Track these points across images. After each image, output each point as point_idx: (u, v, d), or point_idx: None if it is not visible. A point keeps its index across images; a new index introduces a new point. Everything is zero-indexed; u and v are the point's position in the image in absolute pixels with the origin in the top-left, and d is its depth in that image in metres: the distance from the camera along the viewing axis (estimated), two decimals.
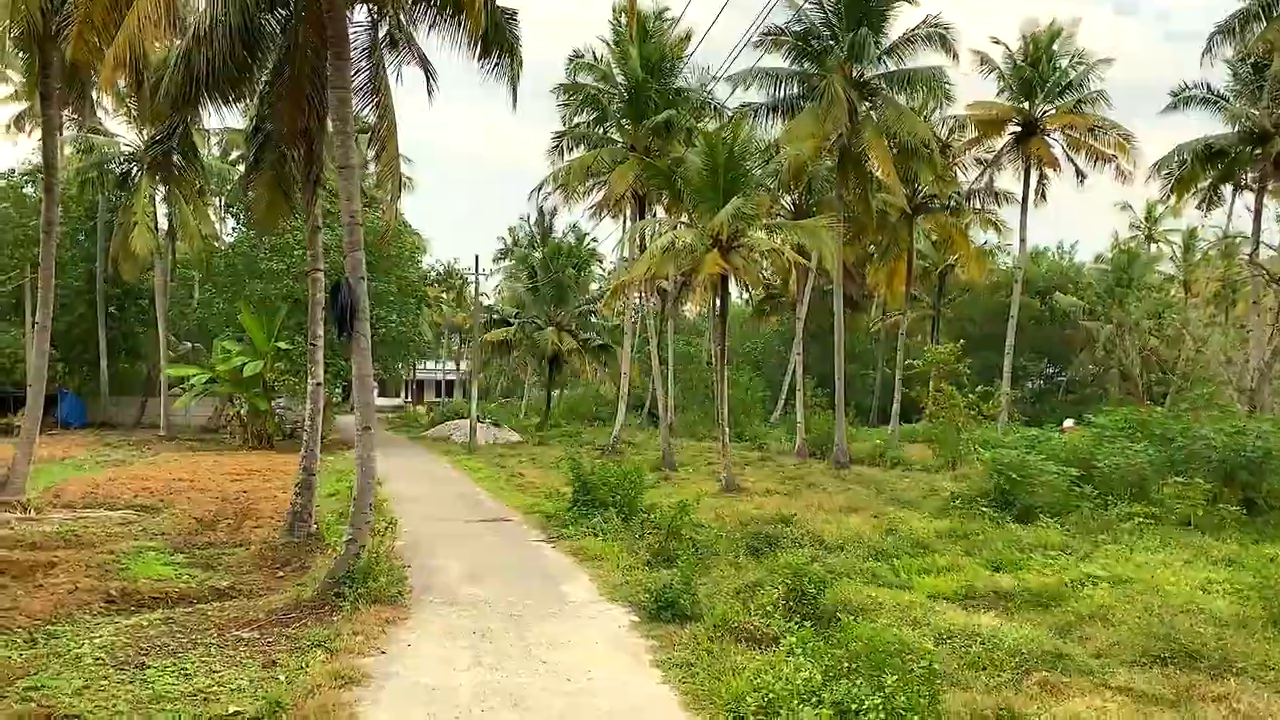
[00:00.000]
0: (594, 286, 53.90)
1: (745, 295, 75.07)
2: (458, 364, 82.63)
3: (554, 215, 56.46)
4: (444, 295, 76.79)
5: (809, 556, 13.10)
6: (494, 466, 30.75)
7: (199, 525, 19.10)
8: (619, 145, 31.10)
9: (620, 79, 30.71)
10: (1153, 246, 64.70)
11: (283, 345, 35.09)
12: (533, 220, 57.78)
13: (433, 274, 72.83)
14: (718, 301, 24.80)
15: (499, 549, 16.00)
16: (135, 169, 38.36)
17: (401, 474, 28.69)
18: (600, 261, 52.65)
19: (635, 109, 29.76)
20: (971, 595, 12.21)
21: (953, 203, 38.34)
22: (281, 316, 35.83)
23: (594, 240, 52.05)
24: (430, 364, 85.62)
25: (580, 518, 17.51)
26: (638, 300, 36.00)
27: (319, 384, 16.51)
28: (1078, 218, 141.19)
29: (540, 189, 32.44)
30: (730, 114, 29.61)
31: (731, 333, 72.13)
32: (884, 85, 30.39)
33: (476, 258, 36.82)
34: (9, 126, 42.03)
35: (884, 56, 29.78)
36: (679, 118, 28.50)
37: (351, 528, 12.12)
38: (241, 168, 43.76)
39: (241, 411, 36.21)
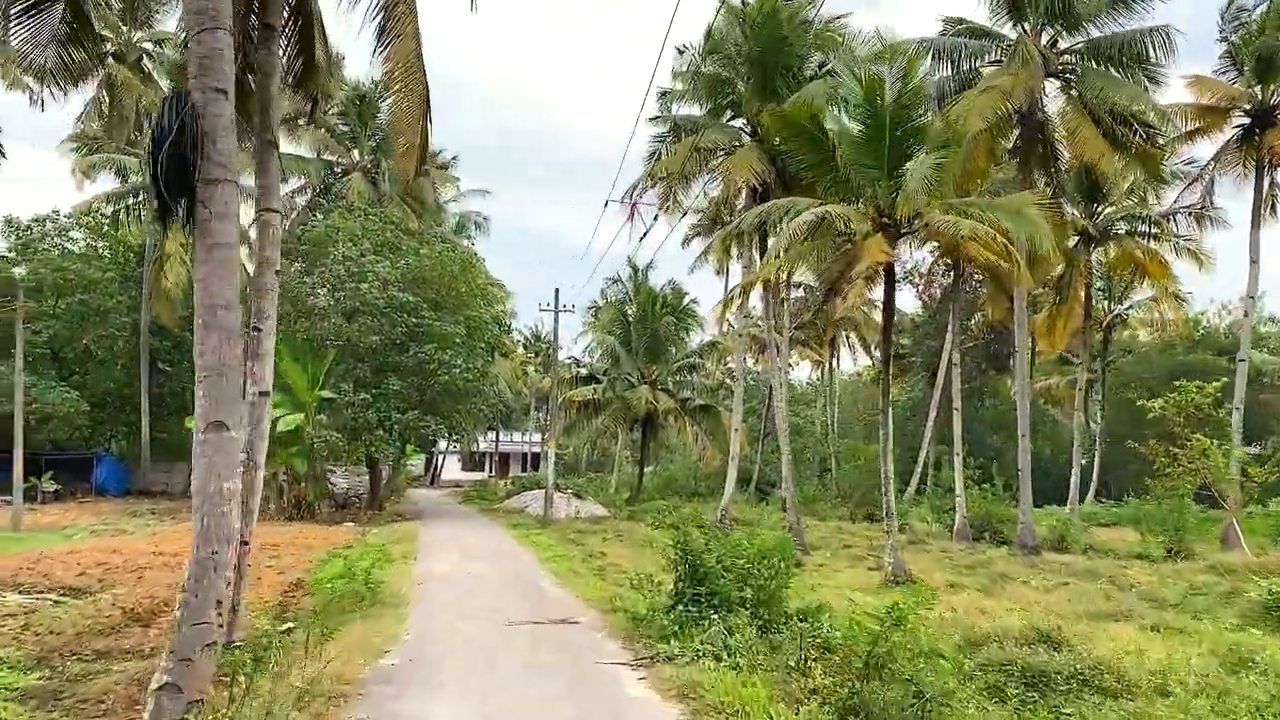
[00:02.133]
0: (693, 342, 47.34)
1: (857, 357, 67.53)
2: (543, 435, 76.47)
3: (645, 235, 50.55)
4: (532, 359, 71.26)
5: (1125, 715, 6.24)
6: (568, 543, 24.01)
7: (123, 620, 12.97)
8: (735, 128, 24.71)
9: (741, 52, 24.28)
10: None
11: (328, 395, 29.31)
12: (630, 227, 51.83)
13: (516, 333, 67.48)
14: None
15: (549, 681, 9.12)
16: None
17: (450, 547, 22.18)
18: (699, 322, 46.02)
19: (760, 84, 23.21)
20: None
21: (1147, 225, 30.66)
22: (329, 361, 30.19)
23: (694, 300, 45.21)
24: (516, 435, 79.68)
25: (689, 623, 10.58)
26: (747, 330, 29.13)
27: (264, 393, 10.07)
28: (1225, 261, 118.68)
29: (635, 189, 26.16)
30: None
31: (843, 403, 64.56)
32: (1084, 57, 23.48)
33: (556, 291, 30.93)
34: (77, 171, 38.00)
35: (1085, 22, 22.88)
36: (819, 91, 21.79)
37: (171, 659, 5.58)
38: (287, 189, 39.27)
39: (279, 475, 30.46)
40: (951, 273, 49.16)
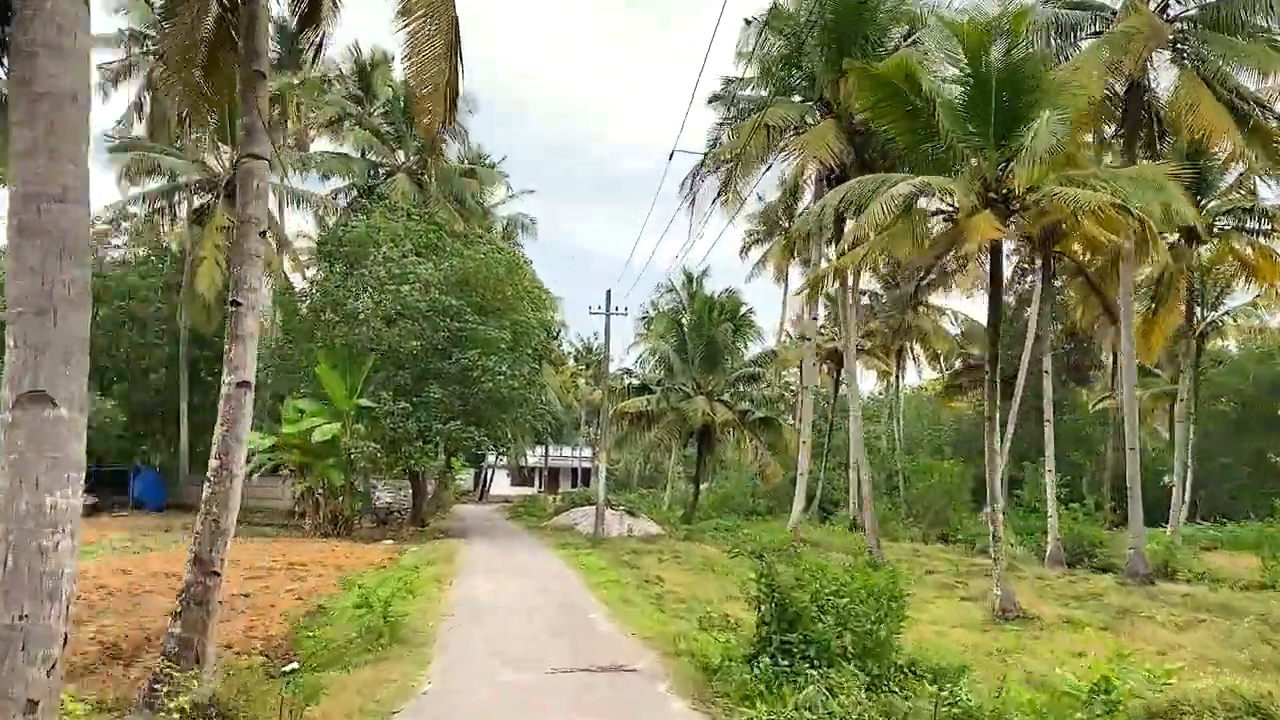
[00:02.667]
0: (751, 351, 44.87)
1: (921, 370, 64.46)
2: (595, 450, 74.43)
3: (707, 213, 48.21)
4: (582, 372, 69.38)
5: None
6: (621, 566, 21.81)
7: (100, 657, 11.17)
8: (806, 104, 22.38)
9: (814, 21, 21.83)
10: None
11: (364, 404, 27.51)
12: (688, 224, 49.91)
13: (567, 344, 65.74)
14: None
15: None
16: (212, 196, 32.44)
17: (491, 569, 20.09)
18: (756, 332, 43.49)
19: (835, 58, 20.72)
20: None
21: (1259, 219, 27.73)
22: (368, 368, 28.44)
23: (750, 310, 42.86)
24: (566, 450, 77.69)
25: (778, 679, 8.29)
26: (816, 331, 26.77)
27: (244, 384, 8.02)
28: None
29: (693, 175, 23.89)
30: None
31: (908, 418, 61.52)
32: (1199, 25, 20.87)
33: (608, 293, 28.81)
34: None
35: None
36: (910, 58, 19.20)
37: None
38: (329, 188, 37.64)
39: (316, 489, 28.72)
40: (1028, 274, 46.44)
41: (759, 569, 9.32)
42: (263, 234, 8.15)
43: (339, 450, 27.23)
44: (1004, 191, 14.09)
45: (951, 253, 14.14)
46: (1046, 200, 13.39)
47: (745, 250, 55.37)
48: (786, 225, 55.19)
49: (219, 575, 7.83)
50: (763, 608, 9.07)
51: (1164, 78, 22.04)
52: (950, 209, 14.46)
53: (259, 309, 8.25)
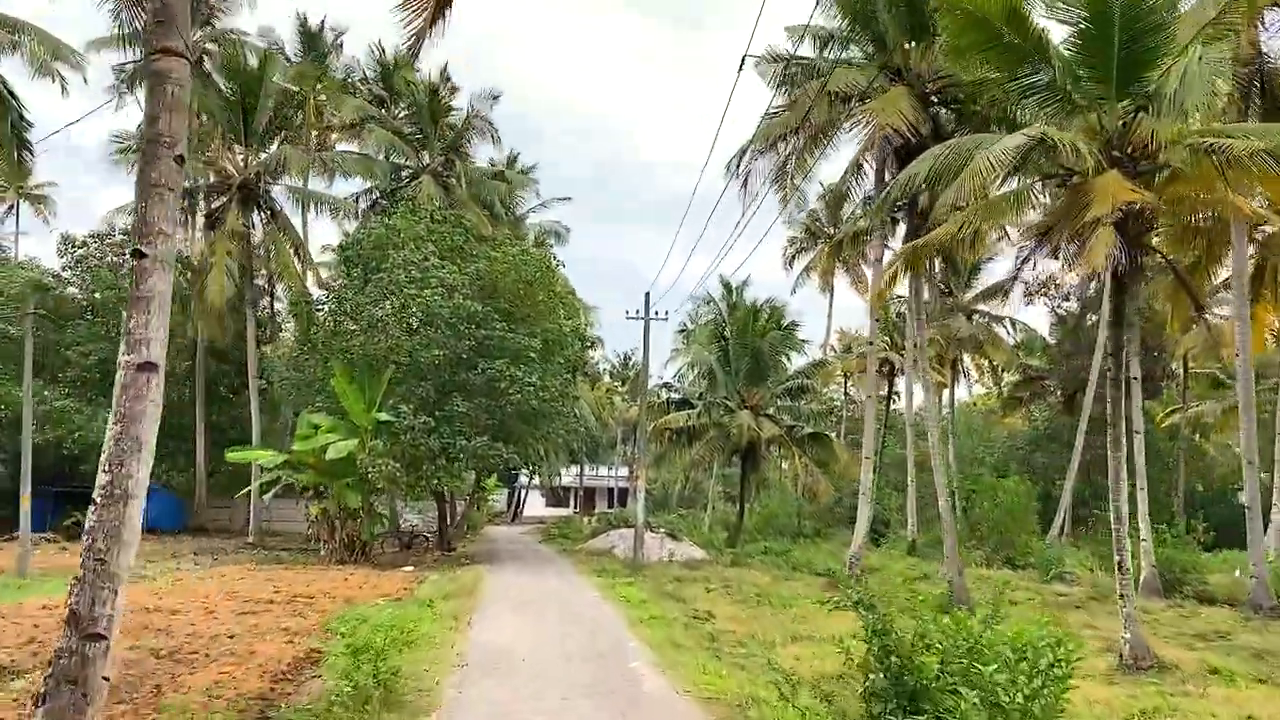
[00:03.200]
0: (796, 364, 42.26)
1: (971, 383, 61.36)
2: (631, 469, 71.93)
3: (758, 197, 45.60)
4: (618, 388, 67.08)
5: None
6: (664, 597, 19.38)
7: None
8: (874, 68, 19.74)
9: None
10: None
11: (384, 418, 25.36)
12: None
13: (603, 360, 63.61)
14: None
15: None
16: (226, 199, 30.65)
17: (517, 603, 17.73)
18: (798, 345, 40.81)
19: (908, 17, 18.12)
20: None
21: None
22: (387, 380, 26.33)
23: (795, 323, 40.32)
24: (602, 469, 75.29)
25: None
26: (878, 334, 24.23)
27: (146, 365, 5.73)
28: None
29: (743, 153, 21.29)
30: None
31: (956, 431, 58.53)
32: None
33: (646, 295, 26.46)
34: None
35: None
36: None
37: None
38: (350, 192, 35.64)
39: (332, 511, 26.59)
40: (1093, 275, 43.41)
41: (868, 622, 6.86)
42: (180, 160, 5.93)
43: (356, 469, 25.08)
44: (1128, 149, 11.60)
45: (1058, 228, 11.57)
46: (1187, 155, 10.85)
47: (789, 261, 52.98)
48: (831, 232, 52.79)
49: (105, 640, 5.51)
50: (873, 677, 6.62)
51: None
52: (1063, 173, 11.98)
53: (170, 263, 5.99)
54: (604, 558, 29.76)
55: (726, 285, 53.10)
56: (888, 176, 20.62)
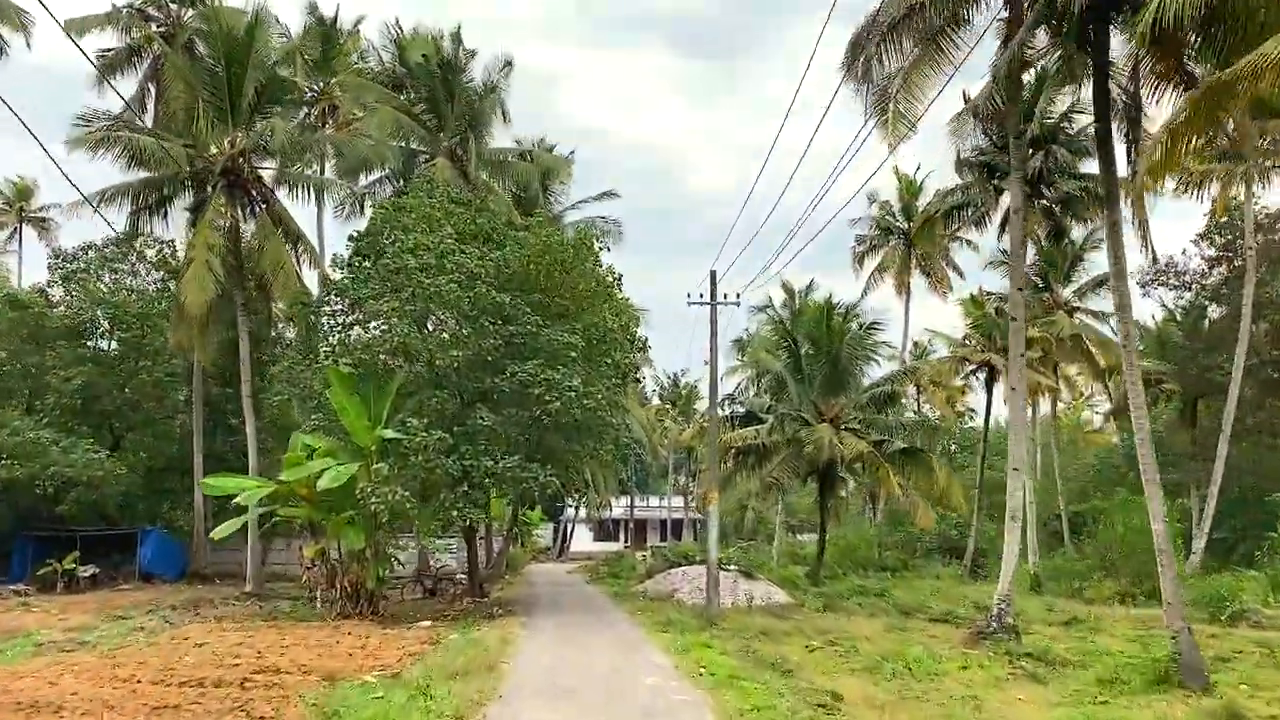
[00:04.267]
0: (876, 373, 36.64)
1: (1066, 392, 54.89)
2: (686, 499, 66.39)
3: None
4: (668, 410, 61.79)
5: None
6: (758, 664, 14.07)
7: None
8: None
9: None
10: None
11: (391, 435, 20.41)
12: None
13: (650, 381, 58.48)
14: None
15: None
16: (209, 189, 26.19)
17: (556, 681, 12.50)
18: (873, 347, 35.02)
19: None
20: None
21: None
22: (395, 390, 21.48)
23: (878, 324, 34.97)
24: (654, 500, 69.78)
25: None
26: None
27: None
28: None
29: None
30: None
31: (1059, 445, 52.26)
32: None
33: (712, 274, 21.14)
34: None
35: None
36: None
37: None
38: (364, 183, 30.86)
39: (330, 552, 21.59)
40: (1220, 262, 37.39)
41: None
42: None
43: (357, 500, 20.07)
44: None
45: None
46: None
47: (858, 260, 47.50)
48: (905, 227, 47.35)
49: None
50: None
51: None
52: None
53: None
54: (666, 604, 24.40)
55: (788, 290, 47.93)
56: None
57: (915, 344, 47.47)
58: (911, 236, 44.02)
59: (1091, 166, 29.20)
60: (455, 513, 20.22)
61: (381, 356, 21.46)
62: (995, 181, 29.51)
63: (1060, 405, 51.23)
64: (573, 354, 21.50)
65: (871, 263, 46.70)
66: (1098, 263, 38.30)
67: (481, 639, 17.19)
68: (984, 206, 30.56)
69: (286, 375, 23.27)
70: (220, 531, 21.89)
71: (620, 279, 23.98)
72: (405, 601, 26.35)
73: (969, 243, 46.00)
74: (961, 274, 46.66)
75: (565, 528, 65.08)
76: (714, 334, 20.82)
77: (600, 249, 25.03)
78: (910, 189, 45.82)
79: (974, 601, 23.61)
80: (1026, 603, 24.08)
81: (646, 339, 24.46)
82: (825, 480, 33.15)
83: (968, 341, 36.60)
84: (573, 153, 35.62)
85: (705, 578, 27.66)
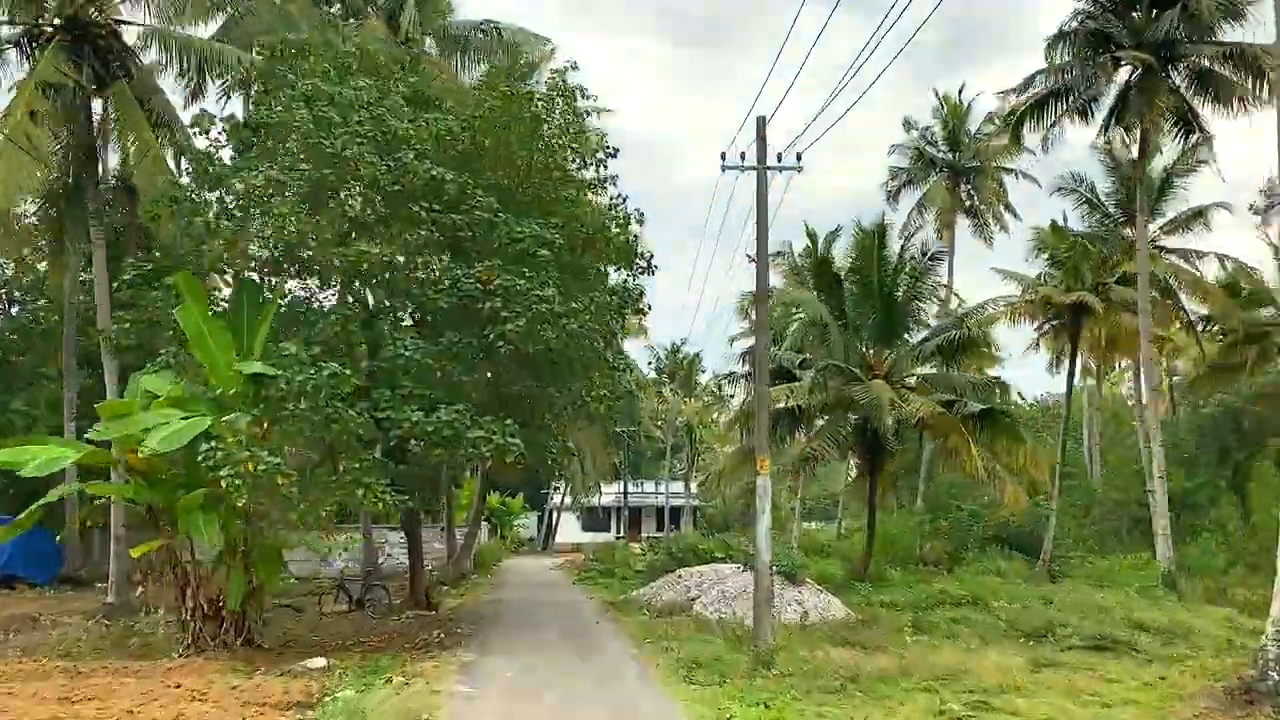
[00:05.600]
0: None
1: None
2: (687, 483, 58.92)
3: None
4: (666, 382, 54.51)
5: None
6: None
7: None
8: None
9: None
10: None
11: (259, 369, 13.06)
12: None
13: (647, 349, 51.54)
14: None
15: None
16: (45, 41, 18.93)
17: None
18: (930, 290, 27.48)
19: None
20: None
21: None
22: (273, 305, 14.24)
23: (941, 254, 27.85)
24: (649, 484, 62.33)
25: None
26: None
27: None
28: None
29: None
30: None
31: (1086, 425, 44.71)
32: None
33: (760, 120, 13.61)
34: None
35: None
36: None
37: None
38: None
39: (182, 554, 14.27)
40: None
41: None
42: None
43: (208, 471, 12.61)
44: None
45: None
46: None
47: (893, 195, 40.12)
48: (950, 158, 40.11)
49: None
50: None
51: None
52: None
53: None
54: (684, 623, 17.14)
55: (811, 235, 40.61)
56: None
57: (958, 297, 40.04)
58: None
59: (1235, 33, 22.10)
60: (362, 492, 12.84)
61: (254, 259, 14.14)
62: (1108, 54, 22.35)
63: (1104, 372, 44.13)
64: (545, 252, 14.18)
65: (909, 200, 39.37)
66: (1192, 192, 30.91)
67: (383, 704, 9.93)
68: (1090, 90, 23.32)
69: (130, 296, 15.81)
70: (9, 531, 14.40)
71: (615, 152, 16.53)
72: (326, 617, 19.10)
73: (1024, 175, 39.11)
74: (1016, 213, 39.41)
75: (550, 516, 57.79)
76: (762, 207, 13.35)
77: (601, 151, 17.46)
78: (956, 113, 38.53)
79: (1126, 618, 16.36)
80: (1194, 620, 16.92)
81: (651, 255, 16.96)
82: (873, 452, 25.91)
83: (1044, 281, 29.35)
84: (550, 43, 27.77)
85: (728, 580, 20.71)
